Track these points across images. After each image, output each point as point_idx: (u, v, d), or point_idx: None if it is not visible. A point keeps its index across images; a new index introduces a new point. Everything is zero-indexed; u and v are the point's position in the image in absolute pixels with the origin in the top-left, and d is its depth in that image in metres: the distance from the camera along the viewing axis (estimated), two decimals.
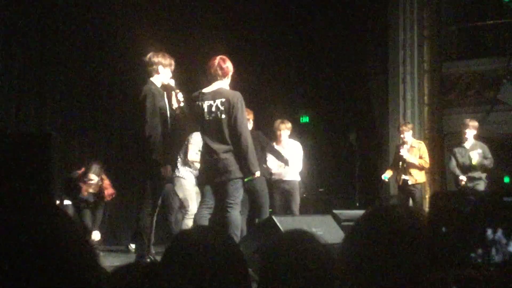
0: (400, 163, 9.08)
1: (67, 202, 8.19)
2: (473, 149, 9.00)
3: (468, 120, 9.13)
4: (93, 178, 8.16)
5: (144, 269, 2.00)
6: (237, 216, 6.17)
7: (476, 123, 9.05)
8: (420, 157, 9.14)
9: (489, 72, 10.81)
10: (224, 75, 6.08)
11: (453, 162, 9.14)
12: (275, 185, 8.57)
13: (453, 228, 1.41)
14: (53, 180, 3.64)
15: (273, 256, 2.01)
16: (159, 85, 6.27)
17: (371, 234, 1.61)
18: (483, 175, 9.03)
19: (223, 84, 6.11)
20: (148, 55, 6.33)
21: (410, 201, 9.33)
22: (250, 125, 8.20)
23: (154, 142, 6.09)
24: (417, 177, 9.17)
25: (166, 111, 6.28)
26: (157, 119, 6.12)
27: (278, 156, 8.44)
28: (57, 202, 7.91)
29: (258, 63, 10.96)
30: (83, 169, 8.28)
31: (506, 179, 11.04)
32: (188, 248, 1.83)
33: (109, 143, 9.87)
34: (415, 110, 10.56)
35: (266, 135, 8.45)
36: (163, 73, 6.34)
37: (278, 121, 8.73)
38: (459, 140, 9.20)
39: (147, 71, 6.27)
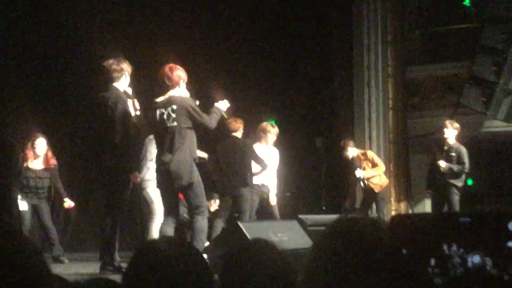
0: (361, 183, 9.33)
1: (22, 205, 8.02)
2: (450, 151, 9.10)
3: (447, 121, 9.27)
4: (41, 142, 8.12)
5: (103, 285, 1.99)
6: (202, 223, 6.20)
7: (456, 124, 9.19)
8: (373, 164, 9.33)
9: (452, 76, 10.97)
10: (175, 84, 6.13)
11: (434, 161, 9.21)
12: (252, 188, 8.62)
13: (412, 248, 1.44)
14: (12, 187, 3.60)
15: (231, 266, 2.03)
16: (121, 91, 6.25)
17: (335, 248, 1.61)
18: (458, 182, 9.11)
19: (176, 92, 6.15)
20: (111, 61, 6.28)
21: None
22: (239, 133, 8.28)
23: (126, 148, 6.07)
24: (380, 182, 9.34)
25: (131, 117, 6.27)
26: (128, 125, 6.11)
27: (261, 163, 8.48)
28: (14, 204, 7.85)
29: (223, 66, 10.96)
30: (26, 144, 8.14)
31: (469, 182, 11.20)
32: (152, 260, 1.83)
33: (73, 150, 9.78)
34: (380, 114, 10.67)
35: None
36: (126, 80, 6.32)
37: (269, 124, 8.79)
38: (439, 141, 9.31)
39: (110, 77, 6.22)
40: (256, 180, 8.57)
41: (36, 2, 9.37)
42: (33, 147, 8.07)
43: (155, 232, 7.60)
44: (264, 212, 8.68)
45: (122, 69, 6.25)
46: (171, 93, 6.15)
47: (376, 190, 9.39)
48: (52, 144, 9.41)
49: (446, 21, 11.49)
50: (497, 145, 11.13)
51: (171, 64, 6.21)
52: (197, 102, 6.26)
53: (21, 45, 9.23)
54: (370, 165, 9.40)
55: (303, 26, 11.19)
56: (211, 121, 6.26)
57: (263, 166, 8.46)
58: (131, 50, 7.87)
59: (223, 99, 6.51)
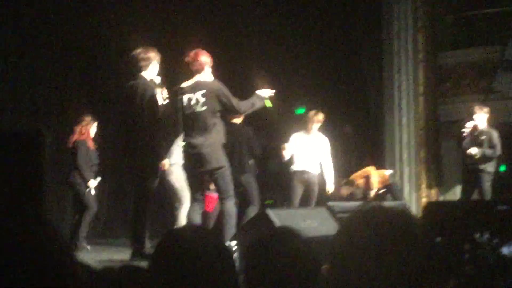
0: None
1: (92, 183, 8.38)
2: (480, 135, 9.01)
3: (477, 105, 9.19)
4: (94, 124, 8.45)
5: (131, 273, 2.01)
6: (230, 207, 6.23)
7: (486, 108, 9.10)
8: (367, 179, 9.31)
9: (483, 61, 10.80)
10: (201, 68, 6.14)
11: (466, 146, 9.12)
12: (295, 175, 8.70)
13: (446, 236, 1.41)
14: (44, 182, 3.62)
15: (255, 254, 2.03)
16: (149, 79, 6.29)
17: (364, 236, 1.58)
18: (489, 167, 9.03)
19: (203, 76, 6.17)
20: (140, 50, 6.33)
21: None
22: (239, 120, 8.29)
23: (155, 136, 6.13)
24: (378, 180, 9.41)
25: (159, 106, 6.31)
26: (156, 113, 6.15)
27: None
28: (86, 189, 8.12)
29: (253, 55, 10.94)
30: (78, 128, 8.47)
31: (502, 168, 11.04)
32: (177, 248, 1.84)
33: (104, 139, 9.87)
34: (410, 100, 10.55)
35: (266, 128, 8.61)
36: (154, 69, 6.36)
37: (312, 112, 8.84)
38: (462, 127, 9.24)
39: (138, 66, 6.26)
40: (298, 167, 8.65)
41: None
42: (86, 130, 8.47)
43: (182, 219, 7.64)
44: (307, 198, 8.74)
45: (149, 58, 6.29)
46: (197, 78, 6.17)
47: (382, 185, 9.47)
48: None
49: (478, 5, 11.30)
50: None
51: (197, 49, 6.23)
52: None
53: (50, 35, 9.32)
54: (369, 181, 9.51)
55: (333, 12, 11.11)
56: (241, 106, 6.26)
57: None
58: (159, 38, 7.89)
59: (264, 87, 6.52)
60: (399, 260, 1.47)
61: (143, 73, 6.30)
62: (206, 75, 6.22)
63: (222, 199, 6.29)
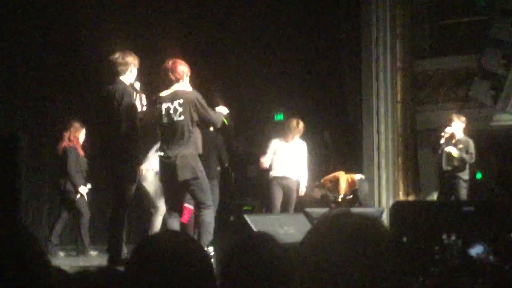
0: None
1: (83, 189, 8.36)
2: (458, 144, 9.12)
3: (454, 114, 9.29)
4: (83, 130, 8.49)
5: (107, 277, 2.00)
6: (208, 216, 6.22)
7: (463, 117, 9.22)
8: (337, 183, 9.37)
9: (460, 69, 10.91)
10: (178, 78, 6.14)
11: (441, 154, 9.23)
12: (274, 181, 8.72)
13: (413, 236, 1.41)
14: (19, 185, 3.59)
15: (232, 259, 2.02)
16: (128, 84, 6.26)
17: (329, 238, 1.59)
18: (464, 175, 9.14)
19: (181, 86, 6.16)
20: (118, 54, 6.28)
21: None
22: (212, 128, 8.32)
23: (132, 141, 6.08)
24: (345, 185, 9.46)
25: (137, 111, 6.28)
26: (134, 118, 6.11)
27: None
28: (78, 193, 8.08)
29: (231, 61, 10.95)
30: (67, 134, 8.47)
31: (479, 175, 11.15)
32: (154, 252, 1.82)
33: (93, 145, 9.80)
34: (388, 107, 10.62)
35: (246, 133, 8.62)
36: (133, 74, 6.33)
37: (294, 122, 8.81)
38: (439, 135, 9.34)
39: (116, 70, 6.22)
40: (278, 172, 8.68)
41: None
42: (75, 137, 8.45)
43: (158, 225, 7.61)
44: (286, 204, 8.76)
45: (127, 63, 6.25)
46: (175, 87, 6.16)
47: (349, 189, 9.54)
48: (59, 137, 9.48)
49: (455, 14, 11.41)
50: (507, 138, 11.06)
51: (175, 59, 6.22)
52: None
53: (29, 38, 9.26)
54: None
55: (311, 19, 11.15)
56: (218, 118, 6.28)
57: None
58: (136, 44, 7.87)
59: (222, 104, 6.56)
60: (366, 265, 1.47)
61: (121, 77, 6.26)
62: (185, 85, 6.22)
63: (200, 208, 6.27)
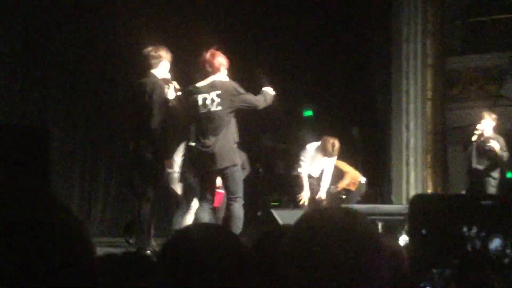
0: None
1: None
2: (487, 142, 9.02)
3: (485, 112, 9.18)
4: None
5: (133, 260, 2.02)
6: (237, 209, 6.24)
7: (494, 115, 9.11)
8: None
9: (492, 67, 10.80)
10: (216, 69, 6.18)
11: (471, 151, 9.14)
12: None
13: (432, 229, 1.42)
14: (49, 175, 3.67)
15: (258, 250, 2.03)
16: (159, 77, 6.32)
17: (309, 235, 1.57)
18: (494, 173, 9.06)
19: (218, 77, 6.20)
20: (150, 48, 6.36)
21: None
22: None
23: (162, 135, 6.14)
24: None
25: (168, 104, 6.34)
26: (164, 112, 6.17)
27: None
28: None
29: (261, 56, 10.96)
30: None
31: (509, 174, 11.01)
32: (186, 246, 1.82)
33: (112, 137, 9.90)
34: (418, 104, 10.54)
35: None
36: (165, 67, 6.39)
37: (329, 145, 8.67)
38: (469, 133, 9.24)
39: (148, 63, 6.29)
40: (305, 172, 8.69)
41: None
42: None
43: (180, 224, 7.64)
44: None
45: (160, 56, 6.32)
46: (212, 78, 6.20)
47: (350, 186, 9.43)
48: (90, 130, 9.62)
49: (487, 11, 11.28)
50: None
51: (213, 50, 6.26)
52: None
53: (62, 31, 9.37)
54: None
55: (342, 15, 11.12)
56: (258, 101, 6.31)
57: None
58: (172, 37, 7.93)
59: (268, 85, 6.56)
60: (346, 259, 1.45)
61: (153, 71, 6.33)
62: (222, 76, 6.27)
63: (230, 199, 6.29)
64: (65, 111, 9.49)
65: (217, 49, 6.31)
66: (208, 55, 6.21)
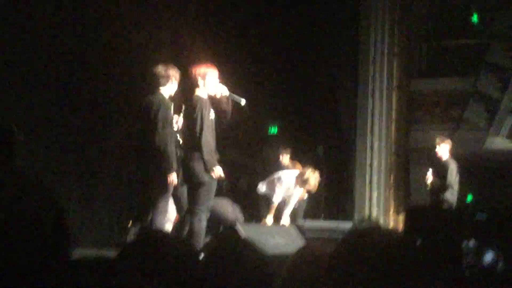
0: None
1: None
2: (439, 166, 9.15)
3: (438, 137, 9.30)
4: None
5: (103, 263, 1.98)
6: (198, 224, 6.19)
7: (448, 140, 9.23)
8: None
9: (456, 90, 10.97)
10: (195, 84, 6.31)
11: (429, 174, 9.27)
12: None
13: (428, 241, 1.40)
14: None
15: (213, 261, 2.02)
16: (167, 96, 6.41)
17: (355, 257, 1.55)
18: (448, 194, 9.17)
19: (197, 91, 6.31)
20: (160, 67, 6.45)
21: None
22: None
23: (164, 151, 6.16)
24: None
25: (173, 122, 6.41)
26: (169, 129, 6.28)
27: None
28: None
29: (226, 73, 10.94)
30: None
31: (470, 198, 11.18)
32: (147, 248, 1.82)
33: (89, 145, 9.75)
34: (383, 125, 10.63)
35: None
36: (173, 86, 6.49)
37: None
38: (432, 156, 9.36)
39: (157, 81, 6.39)
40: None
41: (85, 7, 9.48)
42: None
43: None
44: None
45: (169, 75, 6.42)
46: (197, 91, 6.30)
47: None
48: (97, 142, 9.55)
49: (453, 36, 11.50)
50: (499, 162, 11.11)
51: (192, 64, 6.43)
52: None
53: (73, 47, 9.31)
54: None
55: (309, 34, 11.20)
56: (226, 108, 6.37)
57: None
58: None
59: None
60: (396, 274, 1.44)
61: (161, 89, 6.40)
62: (201, 91, 6.31)
63: (190, 211, 6.27)
64: (31, 116, 9.33)
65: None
66: (190, 70, 6.44)
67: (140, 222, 6.39)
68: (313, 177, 8.28)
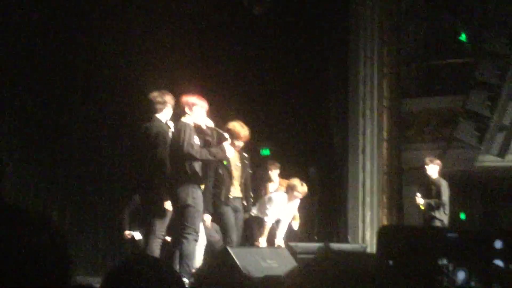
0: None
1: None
2: (430, 186, 9.20)
3: (427, 158, 9.36)
4: None
5: None
6: (187, 246, 6.18)
7: (437, 160, 9.31)
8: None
9: (446, 110, 11.03)
10: (183, 110, 6.43)
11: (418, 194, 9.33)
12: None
13: (400, 260, 1.41)
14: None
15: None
16: (164, 121, 6.53)
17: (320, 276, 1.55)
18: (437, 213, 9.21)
19: (186, 118, 6.41)
20: (156, 93, 6.55)
21: None
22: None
23: (162, 177, 6.21)
24: None
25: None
26: (166, 155, 6.34)
27: None
28: None
29: (218, 96, 10.98)
30: None
31: (462, 216, 11.19)
32: (125, 278, 1.83)
33: (69, 175, 9.74)
34: (374, 145, 10.67)
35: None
36: (169, 112, 6.57)
37: (299, 182, 8.50)
38: (422, 176, 9.42)
39: (153, 108, 6.46)
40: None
41: (82, 32, 9.56)
42: None
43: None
44: None
45: (165, 102, 6.55)
46: (183, 119, 6.42)
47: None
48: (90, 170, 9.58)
49: (442, 55, 11.58)
50: (490, 180, 11.13)
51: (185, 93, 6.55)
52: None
53: (69, 73, 9.37)
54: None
55: (300, 55, 11.25)
56: (195, 152, 6.33)
57: None
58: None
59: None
60: None
61: (157, 115, 6.47)
62: (190, 117, 6.44)
63: (179, 235, 6.29)
64: (20, 148, 9.33)
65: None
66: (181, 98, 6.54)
67: (136, 248, 6.43)
68: (300, 183, 8.33)
